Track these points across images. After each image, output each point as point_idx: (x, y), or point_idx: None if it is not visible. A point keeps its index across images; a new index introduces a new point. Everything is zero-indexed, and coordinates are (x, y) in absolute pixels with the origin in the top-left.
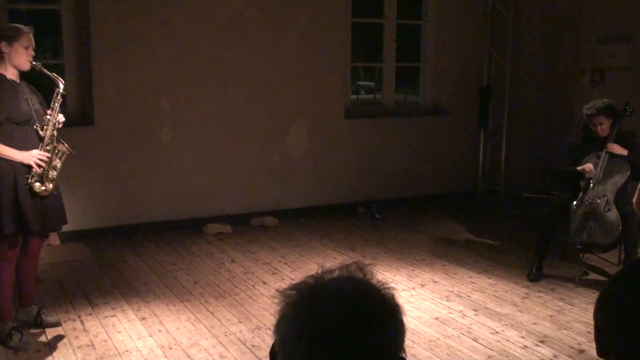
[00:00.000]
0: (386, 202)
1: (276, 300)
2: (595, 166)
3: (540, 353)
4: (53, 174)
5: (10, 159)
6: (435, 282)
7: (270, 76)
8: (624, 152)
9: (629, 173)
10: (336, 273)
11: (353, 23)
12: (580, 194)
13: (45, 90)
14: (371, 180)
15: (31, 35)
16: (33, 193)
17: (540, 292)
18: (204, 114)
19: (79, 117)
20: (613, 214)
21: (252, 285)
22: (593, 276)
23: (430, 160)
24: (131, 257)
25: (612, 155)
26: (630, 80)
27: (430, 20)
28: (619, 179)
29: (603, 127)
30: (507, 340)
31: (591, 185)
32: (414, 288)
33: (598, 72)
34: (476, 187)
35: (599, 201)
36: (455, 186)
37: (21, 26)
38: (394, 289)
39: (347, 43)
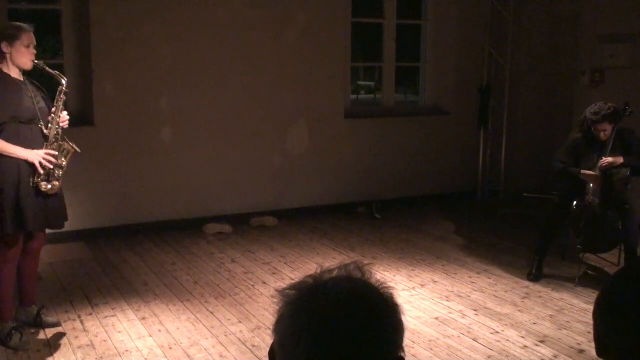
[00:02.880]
0: (386, 202)
1: (276, 300)
2: (595, 168)
3: (540, 353)
4: (59, 172)
5: (16, 156)
6: (435, 282)
7: (270, 76)
8: (620, 160)
9: (628, 173)
10: (335, 273)
11: (353, 23)
12: (581, 194)
13: (49, 87)
14: (371, 180)
15: (32, 34)
16: (39, 192)
17: (540, 292)
18: (204, 114)
19: (79, 117)
20: (612, 214)
21: (252, 285)
22: (593, 276)
23: (430, 160)
24: (131, 257)
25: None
26: (630, 80)
27: (430, 20)
28: (618, 179)
29: (606, 132)
30: (507, 340)
31: (591, 185)
32: (414, 288)
33: (598, 72)
34: (476, 187)
35: (598, 201)
36: (455, 186)
37: (22, 25)
38: (392, 288)
39: (347, 43)
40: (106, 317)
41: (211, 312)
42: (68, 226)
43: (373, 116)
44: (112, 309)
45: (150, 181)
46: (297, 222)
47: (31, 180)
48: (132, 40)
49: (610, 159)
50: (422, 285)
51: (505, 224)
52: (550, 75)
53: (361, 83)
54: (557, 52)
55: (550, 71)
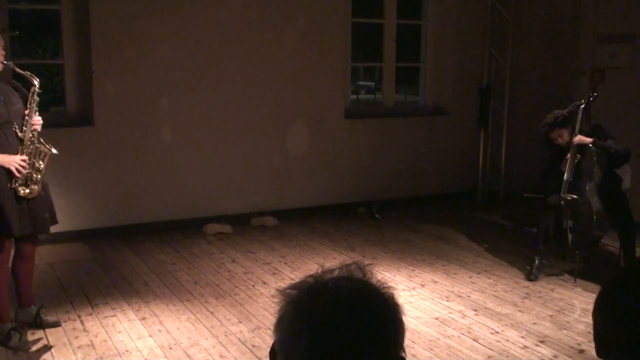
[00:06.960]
0: (386, 202)
1: (276, 300)
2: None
3: (540, 353)
4: (37, 176)
5: None
6: (435, 282)
7: (270, 76)
8: (589, 140)
9: (602, 163)
10: (336, 273)
11: (353, 23)
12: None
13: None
14: (371, 180)
15: None
16: (19, 197)
17: (540, 292)
18: (204, 114)
19: (79, 117)
20: (588, 206)
21: (252, 285)
22: (593, 276)
23: (430, 160)
24: (131, 257)
25: (582, 151)
26: (630, 80)
27: (430, 20)
28: (594, 173)
29: (563, 137)
30: (507, 340)
31: (565, 184)
32: (414, 288)
33: (598, 72)
34: (476, 187)
35: (573, 197)
36: (455, 186)
37: None
38: (393, 288)
39: (347, 43)
40: (106, 317)
41: (211, 312)
42: (68, 226)
43: (373, 116)
44: (112, 309)
45: (150, 181)
46: (297, 222)
47: (9, 185)
48: (132, 40)
49: (580, 136)
50: (422, 285)
51: (505, 224)
52: (550, 75)
53: (361, 83)
54: (557, 52)
55: (550, 71)
